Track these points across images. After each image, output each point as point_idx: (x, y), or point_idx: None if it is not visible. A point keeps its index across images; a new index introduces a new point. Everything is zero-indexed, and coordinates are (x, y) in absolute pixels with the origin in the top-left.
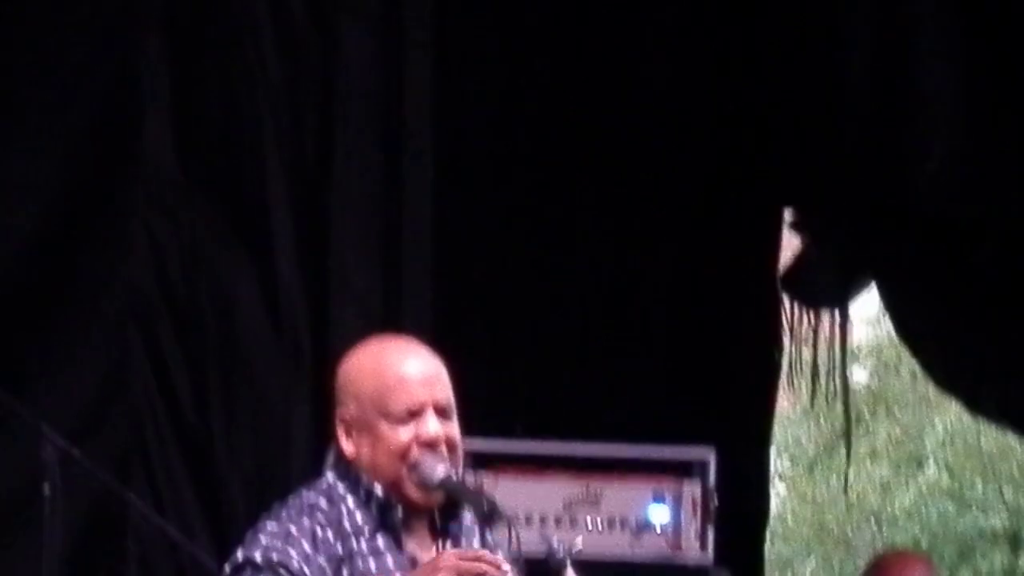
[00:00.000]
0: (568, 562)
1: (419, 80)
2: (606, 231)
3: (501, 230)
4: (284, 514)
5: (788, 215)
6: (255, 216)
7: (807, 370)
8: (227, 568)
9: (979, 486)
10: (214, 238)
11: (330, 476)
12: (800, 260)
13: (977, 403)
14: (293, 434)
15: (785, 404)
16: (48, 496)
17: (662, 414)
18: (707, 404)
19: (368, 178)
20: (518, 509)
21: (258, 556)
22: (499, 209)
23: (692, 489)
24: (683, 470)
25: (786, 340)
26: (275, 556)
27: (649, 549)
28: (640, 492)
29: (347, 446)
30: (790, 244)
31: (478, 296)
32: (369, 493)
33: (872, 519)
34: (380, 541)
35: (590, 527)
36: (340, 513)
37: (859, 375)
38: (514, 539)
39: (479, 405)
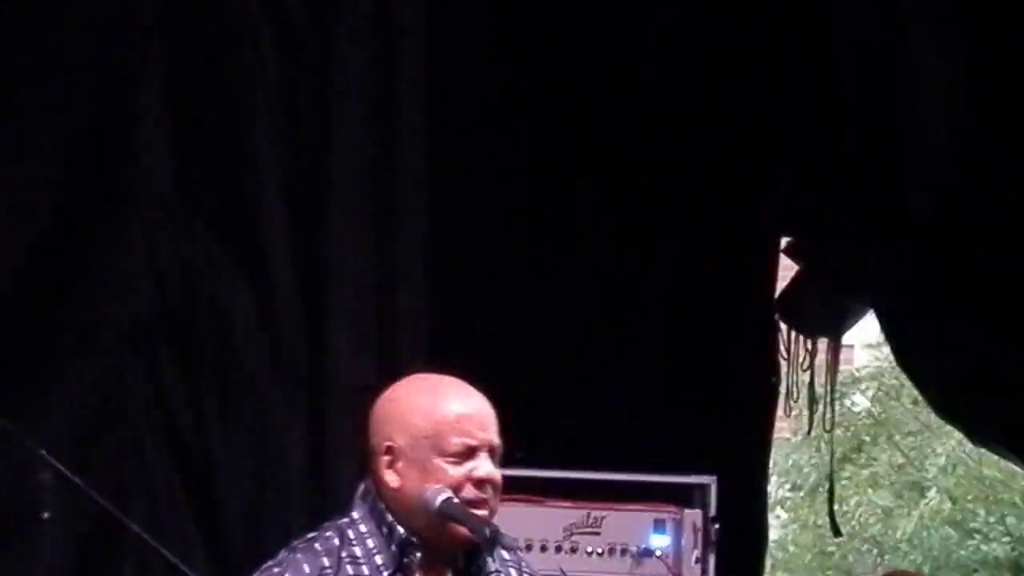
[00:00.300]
0: None
1: (415, 80)
2: (604, 260)
3: (500, 241)
4: (285, 557)
5: (784, 242)
6: (252, 232)
7: (805, 396)
8: None
9: (981, 513)
10: (211, 256)
11: (356, 513)
12: (796, 287)
13: (977, 431)
14: (291, 456)
15: (786, 430)
16: (46, 520)
17: (659, 441)
18: (705, 431)
19: (365, 194)
20: (519, 535)
21: None
22: (495, 231)
23: (693, 516)
24: (684, 497)
25: (784, 366)
26: None
27: None
28: (641, 519)
29: (390, 477)
30: (786, 271)
31: (476, 323)
32: (392, 532)
33: (873, 546)
34: None
35: (591, 554)
36: (353, 556)
37: (860, 401)
38: (519, 564)
39: None
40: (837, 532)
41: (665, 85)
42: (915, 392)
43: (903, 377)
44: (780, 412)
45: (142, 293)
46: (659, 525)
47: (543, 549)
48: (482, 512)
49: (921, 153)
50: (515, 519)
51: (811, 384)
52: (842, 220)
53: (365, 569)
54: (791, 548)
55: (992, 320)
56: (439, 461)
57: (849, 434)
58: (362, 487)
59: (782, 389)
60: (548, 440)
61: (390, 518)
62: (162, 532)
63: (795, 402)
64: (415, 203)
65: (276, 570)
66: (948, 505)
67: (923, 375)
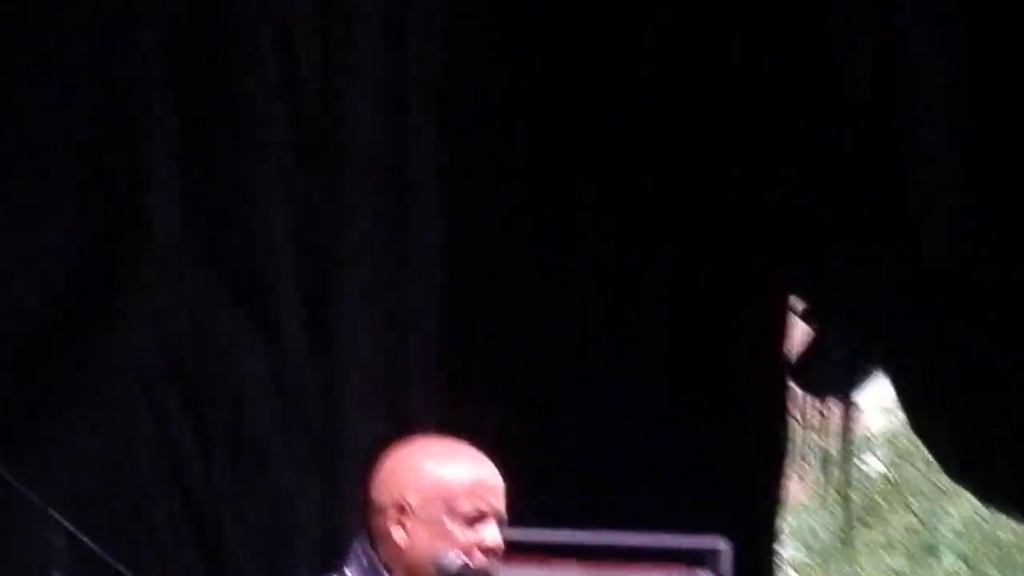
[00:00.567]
0: None
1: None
2: (620, 328)
3: (512, 292)
4: None
5: (797, 304)
6: (264, 291)
7: (817, 459)
8: None
9: None
10: (222, 314)
11: (349, 570)
12: (809, 350)
13: (990, 494)
14: (302, 511)
15: (799, 493)
16: None
17: (671, 504)
18: (716, 493)
19: (377, 245)
20: None
21: None
22: (510, 271)
23: None
24: (695, 560)
25: (797, 429)
26: None
27: None
28: None
29: (398, 535)
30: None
31: (485, 379)
32: None
33: None
34: None
35: None
36: None
37: (874, 464)
38: None
39: None
40: None
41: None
42: (929, 455)
43: (917, 440)
44: (793, 476)
45: (150, 349)
46: None
47: None
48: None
49: (932, 192)
50: None
51: (825, 447)
52: (854, 275)
53: None
54: None
55: (1006, 384)
56: (451, 524)
57: (863, 497)
58: (356, 544)
59: (794, 452)
60: (559, 500)
61: None
62: None
63: (808, 465)
64: (428, 252)
65: None
66: (963, 568)
67: (936, 438)
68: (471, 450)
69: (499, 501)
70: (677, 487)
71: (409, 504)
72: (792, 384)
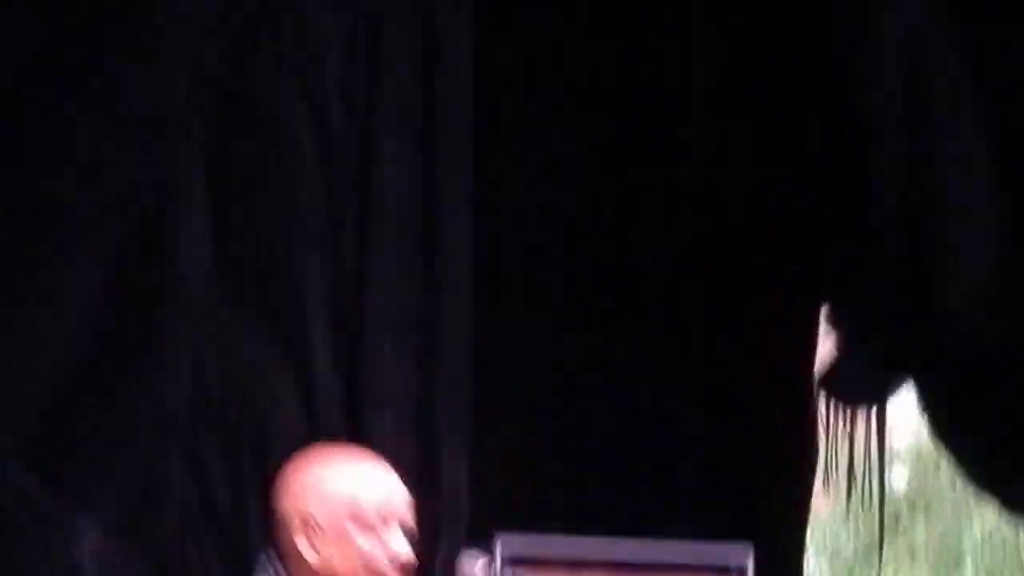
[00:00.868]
0: None
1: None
2: (642, 339)
3: (538, 319)
4: None
5: (824, 312)
6: (292, 319)
7: (844, 470)
8: None
9: None
10: (250, 347)
11: None
12: (837, 358)
13: (1014, 507)
14: None
15: (824, 505)
16: None
17: (694, 513)
18: (740, 505)
19: (406, 278)
20: None
21: None
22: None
23: None
24: (721, 571)
25: (823, 440)
26: None
27: None
28: None
29: (306, 549)
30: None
31: (513, 397)
32: None
33: None
34: None
35: None
36: None
37: (898, 476)
38: None
39: (515, 503)
40: None
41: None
42: (952, 468)
43: (941, 453)
44: (818, 487)
45: (181, 382)
46: None
47: None
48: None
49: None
50: None
51: (851, 458)
52: (883, 293)
53: None
54: None
55: None
56: (358, 536)
57: (888, 508)
58: (263, 557)
59: (821, 463)
60: (581, 506)
61: None
62: None
63: (835, 475)
64: (457, 283)
65: None
66: None
67: (959, 449)
68: (375, 462)
69: (406, 512)
70: (702, 497)
71: (313, 517)
72: (820, 394)
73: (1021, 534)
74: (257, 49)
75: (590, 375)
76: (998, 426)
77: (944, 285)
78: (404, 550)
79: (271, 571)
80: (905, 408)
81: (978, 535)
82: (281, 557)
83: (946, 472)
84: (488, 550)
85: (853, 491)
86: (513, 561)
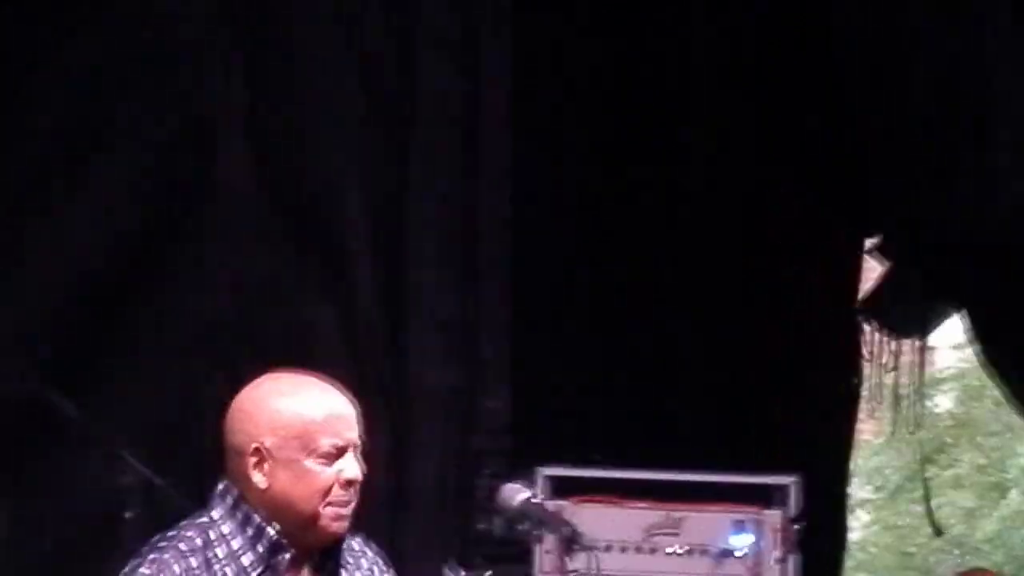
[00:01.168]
0: None
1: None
2: (685, 260)
3: (577, 250)
4: (154, 558)
5: (871, 243)
6: (333, 239)
7: (888, 397)
8: None
9: None
10: (290, 265)
11: (215, 513)
12: (882, 287)
13: None
14: (370, 460)
15: (868, 432)
16: (130, 520)
17: (741, 442)
18: (786, 431)
19: (445, 205)
20: (598, 536)
21: None
22: (575, 226)
23: (773, 517)
24: (765, 497)
25: (867, 367)
26: None
27: None
28: (721, 520)
29: (258, 478)
30: (870, 270)
31: (554, 325)
32: (260, 532)
33: (955, 547)
34: None
35: (670, 554)
36: (216, 557)
37: (943, 402)
38: (595, 566)
39: (557, 432)
40: (938, 532)
41: (740, 120)
42: (997, 393)
43: (985, 378)
44: (862, 414)
45: (220, 297)
46: (739, 526)
47: (623, 550)
48: (344, 511)
49: (1003, 156)
50: (594, 520)
51: (896, 385)
52: (931, 222)
53: (229, 571)
54: (872, 549)
55: None
56: (310, 462)
57: (931, 436)
58: (220, 486)
59: (864, 391)
60: (629, 439)
61: (258, 519)
62: None
63: (878, 403)
64: (495, 226)
65: (145, 571)
66: None
67: (1007, 377)
68: (320, 384)
69: (353, 431)
70: (748, 426)
71: (265, 447)
72: (864, 322)
73: None
74: None
75: (632, 305)
76: None
77: (993, 214)
78: (355, 471)
79: (229, 499)
80: (951, 335)
81: (1023, 461)
82: (236, 483)
83: (992, 399)
84: (530, 481)
85: (898, 419)
86: (558, 489)
